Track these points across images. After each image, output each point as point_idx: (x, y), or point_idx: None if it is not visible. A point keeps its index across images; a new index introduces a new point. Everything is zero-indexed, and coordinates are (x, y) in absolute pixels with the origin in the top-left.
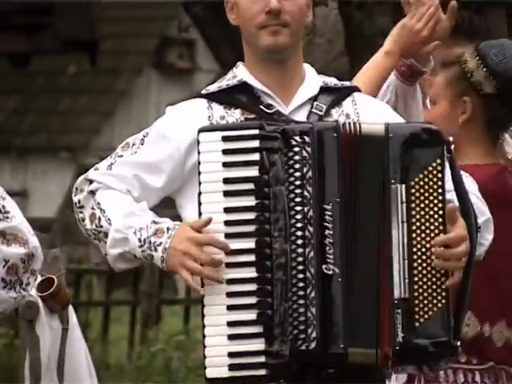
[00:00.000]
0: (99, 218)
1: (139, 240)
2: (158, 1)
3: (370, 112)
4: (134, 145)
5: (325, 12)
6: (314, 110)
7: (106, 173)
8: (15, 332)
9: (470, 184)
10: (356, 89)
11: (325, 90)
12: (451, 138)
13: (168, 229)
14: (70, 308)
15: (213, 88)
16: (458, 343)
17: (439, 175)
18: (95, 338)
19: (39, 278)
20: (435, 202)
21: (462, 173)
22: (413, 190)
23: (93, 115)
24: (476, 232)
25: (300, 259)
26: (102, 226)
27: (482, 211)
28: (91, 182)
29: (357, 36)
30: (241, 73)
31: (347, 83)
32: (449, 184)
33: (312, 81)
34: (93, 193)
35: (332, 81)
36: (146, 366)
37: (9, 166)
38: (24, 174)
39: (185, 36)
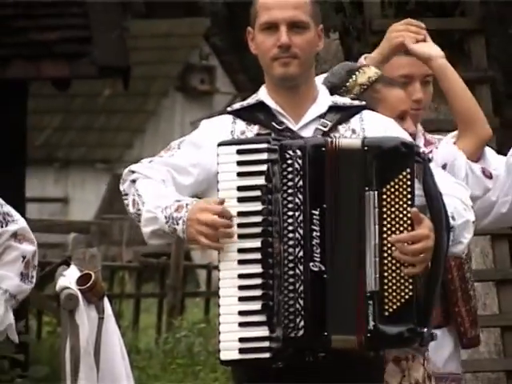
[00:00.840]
0: (137, 203)
1: (165, 217)
2: (182, 32)
3: (375, 128)
4: (173, 148)
5: (327, 42)
6: (319, 127)
7: (146, 166)
8: (58, 321)
9: (462, 190)
10: (365, 107)
11: (333, 108)
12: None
13: (187, 204)
14: (106, 300)
15: (236, 106)
16: (425, 330)
17: (408, 183)
18: (127, 326)
19: (79, 274)
20: (404, 206)
21: (456, 180)
22: (384, 196)
23: (125, 132)
24: (447, 231)
25: (291, 257)
26: (139, 210)
27: (461, 214)
28: (133, 172)
29: (355, 63)
30: (261, 94)
31: (357, 102)
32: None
33: (323, 101)
34: (134, 182)
35: (343, 100)
36: (172, 350)
37: (52, 175)
38: (65, 182)
39: (205, 63)
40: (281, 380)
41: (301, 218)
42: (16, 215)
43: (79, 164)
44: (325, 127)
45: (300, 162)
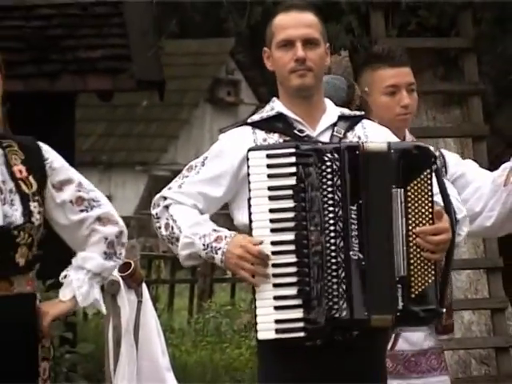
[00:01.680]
0: (172, 227)
1: (203, 244)
2: (210, 51)
3: (375, 134)
4: (196, 166)
5: (338, 59)
6: (335, 134)
7: (177, 191)
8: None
9: (451, 188)
10: (364, 117)
11: (342, 118)
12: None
13: (225, 236)
14: (144, 285)
15: (256, 118)
16: (443, 310)
17: (429, 181)
18: (162, 308)
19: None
20: (426, 202)
21: (445, 180)
22: (409, 193)
23: (161, 138)
24: (455, 225)
25: (333, 248)
26: (174, 233)
27: (460, 209)
28: (165, 198)
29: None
30: (277, 106)
31: (357, 112)
32: (435, 188)
33: (332, 111)
34: (167, 207)
35: (346, 111)
36: (202, 329)
37: (97, 177)
38: (108, 182)
39: (231, 77)
40: (306, 355)
41: (340, 212)
42: (102, 200)
43: (120, 166)
44: (340, 134)
45: (337, 163)
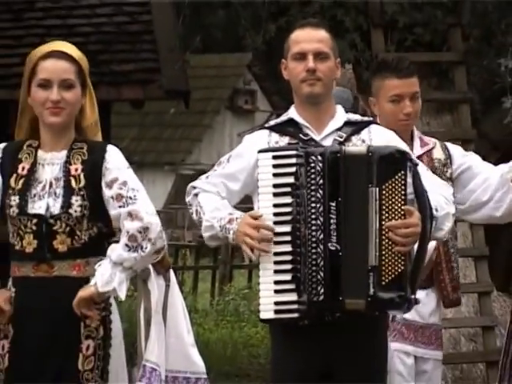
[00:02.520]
0: (199, 212)
1: (219, 226)
2: (230, 64)
3: (380, 138)
4: (223, 162)
5: (343, 71)
6: (336, 138)
7: (205, 181)
8: (134, 287)
9: (445, 189)
10: (373, 122)
11: (348, 123)
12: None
13: (236, 218)
14: (171, 271)
15: (272, 122)
16: (413, 296)
17: (403, 182)
18: (188, 291)
19: None
20: (399, 200)
21: (442, 182)
22: (383, 192)
23: (186, 141)
24: (431, 220)
25: (314, 239)
26: (201, 218)
27: (443, 207)
28: (195, 188)
29: (364, 87)
30: (291, 112)
31: (367, 118)
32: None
33: (339, 117)
34: (196, 195)
35: (355, 117)
36: (222, 310)
37: None
38: (140, 180)
39: (248, 88)
40: (306, 334)
41: (321, 208)
42: (139, 198)
43: (151, 166)
44: (341, 138)
45: (321, 165)
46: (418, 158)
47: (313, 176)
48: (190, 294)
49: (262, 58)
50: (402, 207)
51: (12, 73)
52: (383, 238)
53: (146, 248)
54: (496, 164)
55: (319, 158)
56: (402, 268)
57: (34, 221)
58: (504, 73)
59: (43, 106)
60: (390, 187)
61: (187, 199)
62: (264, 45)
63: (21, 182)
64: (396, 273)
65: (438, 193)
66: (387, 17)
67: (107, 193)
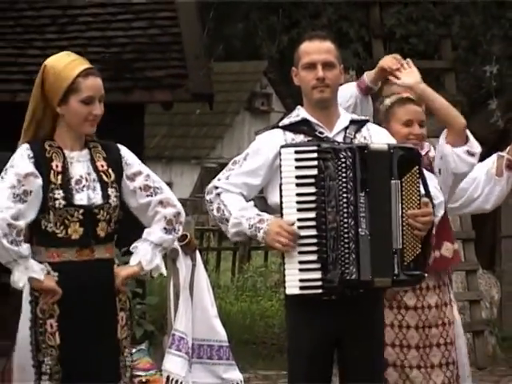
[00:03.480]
0: (223, 210)
1: (249, 225)
2: (248, 70)
3: (377, 136)
4: (239, 161)
5: (347, 77)
6: (347, 135)
7: (226, 182)
8: (165, 266)
9: (433, 178)
10: (368, 121)
11: (352, 122)
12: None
13: (267, 219)
14: (197, 252)
15: (285, 122)
16: (426, 274)
17: (417, 175)
18: (212, 269)
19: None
20: (415, 191)
21: (426, 172)
22: (404, 184)
23: (210, 138)
24: (433, 210)
25: (346, 225)
26: (224, 215)
27: (437, 196)
28: (216, 187)
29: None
30: (302, 113)
31: (363, 117)
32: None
33: (344, 117)
34: (218, 194)
35: (355, 117)
36: (242, 286)
37: (161, 168)
38: (169, 173)
39: (264, 91)
40: (320, 306)
41: (352, 198)
42: (164, 188)
43: (179, 160)
44: (351, 135)
45: (350, 160)
46: None
47: (343, 170)
48: (214, 272)
49: (276, 65)
50: (419, 197)
51: None
52: (404, 224)
53: (179, 230)
54: (483, 158)
55: (349, 153)
56: (420, 250)
57: (81, 211)
58: (489, 78)
59: (85, 119)
60: (408, 180)
61: (208, 197)
62: (278, 53)
63: (59, 177)
64: (415, 254)
65: (431, 185)
66: (386, 29)
67: (131, 185)
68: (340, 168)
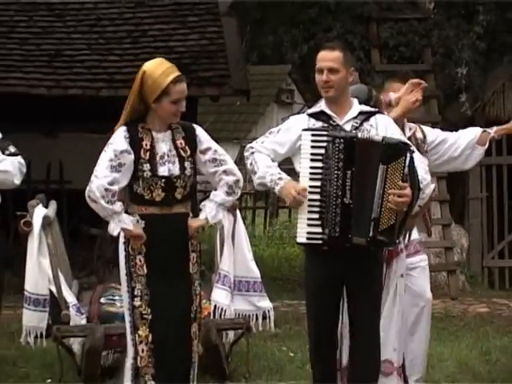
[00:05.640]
0: (254, 165)
1: (270, 180)
2: (276, 72)
3: (382, 126)
4: (274, 132)
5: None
6: (353, 124)
7: (260, 145)
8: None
9: (422, 160)
10: (378, 112)
11: (361, 113)
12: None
13: (285, 178)
14: (237, 210)
15: (310, 111)
16: (397, 240)
17: (403, 164)
18: (248, 223)
19: None
20: (398, 176)
21: (420, 156)
22: (389, 169)
23: (247, 123)
24: (418, 192)
25: (334, 194)
26: (254, 169)
27: (425, 178)
28: (252, 148)
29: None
30: (322, 105)
31: (373, 109)
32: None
33: (355, 109)
34: (253, 153)
35: (365, 108)
36: (271, 236)
37: None
38: None
39: (288, 87)
40: (329, 254)
41: (340, 174)
42: (228, 160)
43: (224, 140)
44: (356, 124)
45: (342, 145)
46: (409, 138)
47: (337, 151)
48: (250, 225)
49: (298, 68)
50: (400, 182)
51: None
52: (384, 200)
53: (237, 194)
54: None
55: (341, 140)
56: (393, 221)
57: (163, 180)
58: (460, 78)
59: (173, 114)
60: (394, 167)
61: (245, 154)
62: (299, 59)
63: (148, 153)
64: (389, 224)
65: (421, 167)
66: (381, 40)
67: (203, 158)
68: (334, 150)
